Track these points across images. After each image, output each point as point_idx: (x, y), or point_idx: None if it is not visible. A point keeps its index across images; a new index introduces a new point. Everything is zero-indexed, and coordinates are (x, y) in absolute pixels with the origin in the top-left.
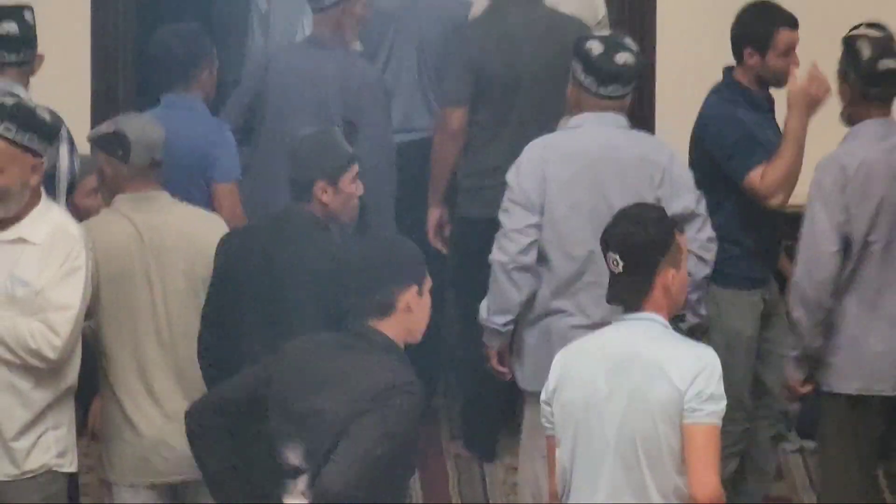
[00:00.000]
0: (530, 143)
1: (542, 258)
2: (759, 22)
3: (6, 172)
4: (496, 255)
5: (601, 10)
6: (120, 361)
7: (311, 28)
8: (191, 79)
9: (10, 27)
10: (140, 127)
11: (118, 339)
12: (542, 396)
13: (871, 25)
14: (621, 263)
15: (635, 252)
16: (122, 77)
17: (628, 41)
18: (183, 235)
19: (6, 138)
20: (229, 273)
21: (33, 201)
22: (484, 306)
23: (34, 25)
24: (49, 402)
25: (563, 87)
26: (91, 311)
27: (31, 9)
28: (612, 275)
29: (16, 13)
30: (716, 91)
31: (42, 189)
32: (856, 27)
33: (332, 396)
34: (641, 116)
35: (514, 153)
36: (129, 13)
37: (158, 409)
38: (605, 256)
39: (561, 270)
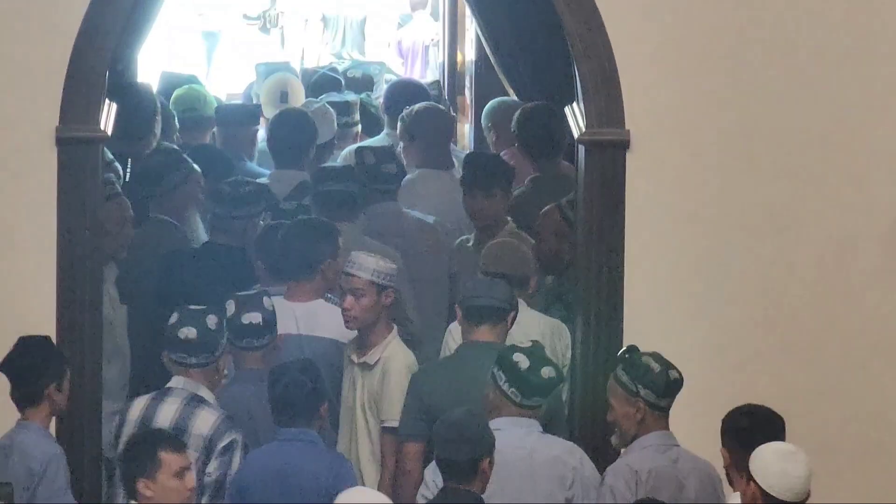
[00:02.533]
0: None
1: None
2: None
3: None
4: None
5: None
6: None
7: None
8: (315, 415)
9: (190, 332)
10: None
11: None
12: None
13: (630, 348)
14: None
15: None
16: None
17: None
18: None
19: None
20: None
21: None
22: None
23: (217, 330)
24: None
25: None
26: None
27: (215, 314)
28: None
29: (198, 318)
30: None
31: None
32: (626, 351)
33: None
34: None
35: None
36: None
37: None
38: None
39: None
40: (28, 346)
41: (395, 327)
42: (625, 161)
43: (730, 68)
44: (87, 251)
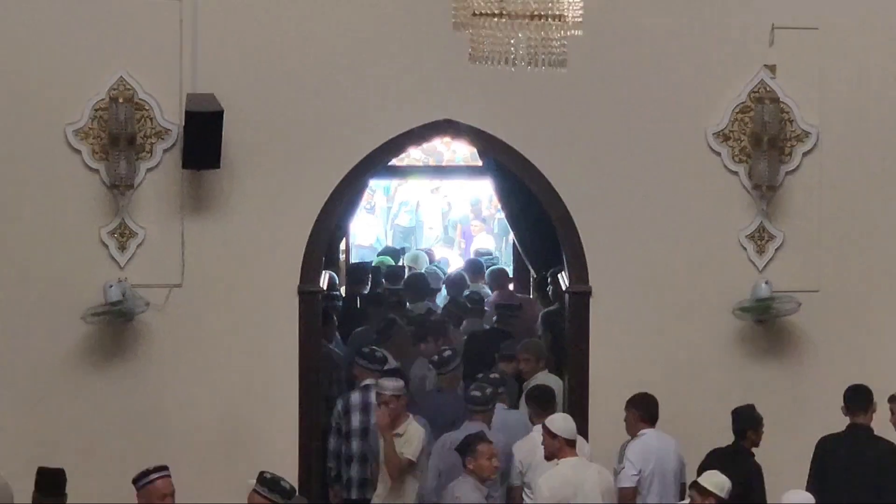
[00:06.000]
0: None
1: None
2: None
3: None
4: None
5: None
6: None
7: None
8: None
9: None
10: None
11: None
12: None
13: None
14: None
15: None
16: None
17: None
18: None
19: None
20: None
21: None
22: None
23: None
24: None
25: None
26: None
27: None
28: None
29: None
30: None
31: None
32: None
33: None
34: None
35: None
36: None
37: None
38: None
39: None
40: None
41: None
42: (589, 304)
43: None
44: (317, 376)
